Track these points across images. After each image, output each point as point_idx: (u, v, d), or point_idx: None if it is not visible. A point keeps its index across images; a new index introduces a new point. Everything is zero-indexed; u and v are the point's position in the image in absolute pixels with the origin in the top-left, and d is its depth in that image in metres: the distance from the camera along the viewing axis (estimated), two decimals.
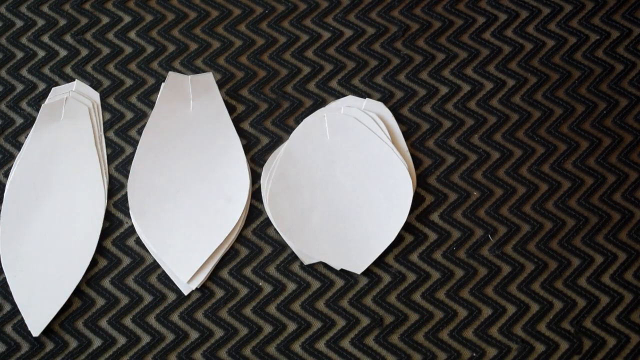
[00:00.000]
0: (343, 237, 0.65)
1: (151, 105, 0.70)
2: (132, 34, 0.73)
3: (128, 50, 0.73)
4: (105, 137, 0.70)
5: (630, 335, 0.63)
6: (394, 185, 0.66)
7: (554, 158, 0.68)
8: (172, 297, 0.65)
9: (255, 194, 0.67)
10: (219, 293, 0.65)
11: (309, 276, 0.65)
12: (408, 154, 0.68)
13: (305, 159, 0.68)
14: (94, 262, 0.66)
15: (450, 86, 0.71)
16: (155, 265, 0.66)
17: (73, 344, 0.64)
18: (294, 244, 0.65)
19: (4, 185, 0.68)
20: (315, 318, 0.64)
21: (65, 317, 0.64)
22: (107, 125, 0.70)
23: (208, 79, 0.70)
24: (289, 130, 0.69)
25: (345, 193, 0.67)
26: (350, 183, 0.67)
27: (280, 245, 0.66)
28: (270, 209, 0.66)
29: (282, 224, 0.66)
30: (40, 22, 0.74)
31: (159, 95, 0.70)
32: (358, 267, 0.65)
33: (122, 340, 0.64)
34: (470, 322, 0.63)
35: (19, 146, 0.69)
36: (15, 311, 0.64)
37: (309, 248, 0.65)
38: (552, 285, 0.64)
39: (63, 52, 0.73)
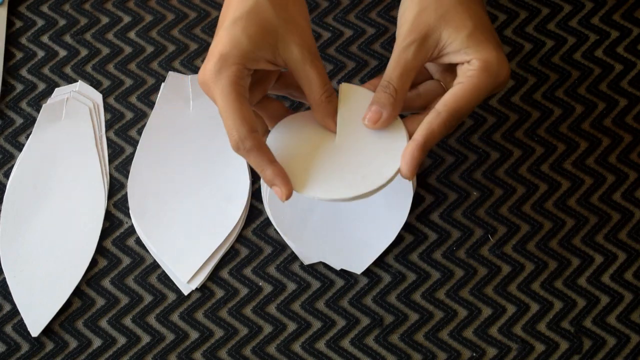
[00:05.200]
0: (343, 237, 0.65)
1: (151, 105, 0.70)
2: (132, 34, 0.73)
3: (128, 50, 0.73)
4: (106, 137, 0.70)
5: (630, 335, 0.63)
6: (394, 185, 0.66)
7: (554, 158, 0.68)
8: (172, 297, 0.65)
9: (255, 194, 0.67)
10: (219, 293, 0.65)
11: (309, 276, 0.65)
12: None
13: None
14: (94, 262, 0.66)
15: None
16: (155, 265, 0.66)
17: (73, 344, 0.64)
18: (294, 244, 0.65)
19: (4, 186, 0.68)
20: (315, 318, 0.64)
21: (65, 317, 0.64)
22: (107, 125, 0.70)
23: None
24: None
25: None
26: None
27: (280, 245, 0.66)
28: (270, 209, 0.66)
29: (282, 224, 0.66)
30: (40, 22, 0.74)
31: (159, 95, 0.70)
32: (358, 267, 0.65)
33: (122, 340, 0.64)
34: (470, 322, 0.63)
35: (19, 146, 0.69)
36: (15, 311, 0.64)
37: (309, 248, 0.65)
38: (552, 285, 0.64)
39: (63, 52, 0.73)
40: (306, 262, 0.65)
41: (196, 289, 0.65)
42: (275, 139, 0.58)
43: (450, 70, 0.59)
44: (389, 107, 0.57)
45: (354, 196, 0.56)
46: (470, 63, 0.56)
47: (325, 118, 0.57)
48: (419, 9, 0.56)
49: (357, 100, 0.58)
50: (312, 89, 0.56)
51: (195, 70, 0.72)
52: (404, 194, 0.66)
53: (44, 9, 0.74)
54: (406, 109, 0.59)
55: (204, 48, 0.72)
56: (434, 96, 0.59)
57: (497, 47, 0.56)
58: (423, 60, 0.57)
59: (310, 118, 0.59)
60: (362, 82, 0.71)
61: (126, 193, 0.68)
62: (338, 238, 0.65)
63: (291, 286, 0.65)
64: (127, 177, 0.68)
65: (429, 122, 0.56)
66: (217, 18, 0.73)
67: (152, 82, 0.71)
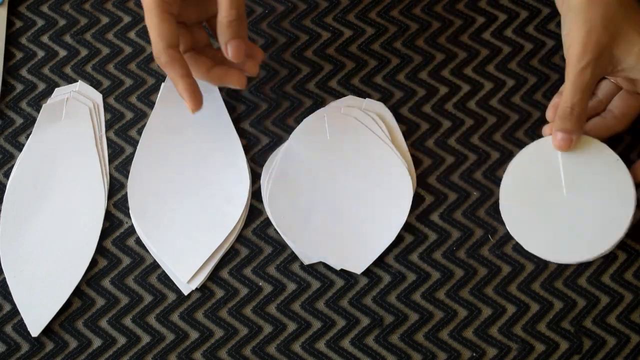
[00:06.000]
0: (343, 237, 0.65)
1: (151, 105, 0.70)
2: (132, 34, 0.73)
3: (128, 50, 0.73)
4: (106, 137, 0.70)
5: (630, 335, 0.63)
6: (394, 185, 0.66)
7: None
8: (172, 297, 0.65)
9: (255, 194, 0.67)
10: (219, 293, 0.65)
11: (309, 276, 0.65)
12: (408, 154, 0.68)
13: (305, 159, 0.68)
14: (94, 262, 0.66)
15: (450, 86, 0.71)
16: (155, 265, 0.66)
17: (73, 344, 0.64)
18: (294, 244, 0.65)
19: (4, 186, 0.68)
20: (315, 318, 0.64)
21: (65, 317, 0.64)
22: (107, 125, 0.70)
23: None
24: (289, 130, 0.69)
25: (344, 193, 0.67)
26: (350, 183, 0.67)
27: (280, 245, 0.66)
28: (270, 209, 0.66)
29: (282, 224, 0.66)
30: (40, 22, 0.74)
31: (158, 95, 0.70)
32: (358, 267, 0.65)
33: (122, 340, 0.64)
34: (470, 322, 0.63)
35: (19, 146, 0.69)
36: (15, 311, 0.64)
37: (308, 248, 0.65)
38: (552, 285, 0.64)
39: (63, 52, 0.73)
40: (306, 262, 0.65)
41: (196, 289, 0.65)
42: (515, 170, 0.63)
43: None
44: (577, 132, 0.60)
45: (577, 262, 0.62)
46: None
47: (221, 39, 0.62)
48: (587, 27, 0.58)
49: (586, 152, 0.62)
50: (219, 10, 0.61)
51: None
52: (404, 194, 0.66)
53: (44, 9, 0.74)
54: (589, 117, 0.62)
55: None
56: (612, 96, 0.63)
57: None
58: (598, 78, 0.59)
59: (543, 151, 0.63)
60: (361, 82, 0.71)
61: (126, 193, 0.68)
62: (338, 238, 0.65)
63: (291, 286, 0.65)
64: (127, 177, 0.68)
65: (608, 126, 0.61)
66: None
67: (152, 82, 0.71)
